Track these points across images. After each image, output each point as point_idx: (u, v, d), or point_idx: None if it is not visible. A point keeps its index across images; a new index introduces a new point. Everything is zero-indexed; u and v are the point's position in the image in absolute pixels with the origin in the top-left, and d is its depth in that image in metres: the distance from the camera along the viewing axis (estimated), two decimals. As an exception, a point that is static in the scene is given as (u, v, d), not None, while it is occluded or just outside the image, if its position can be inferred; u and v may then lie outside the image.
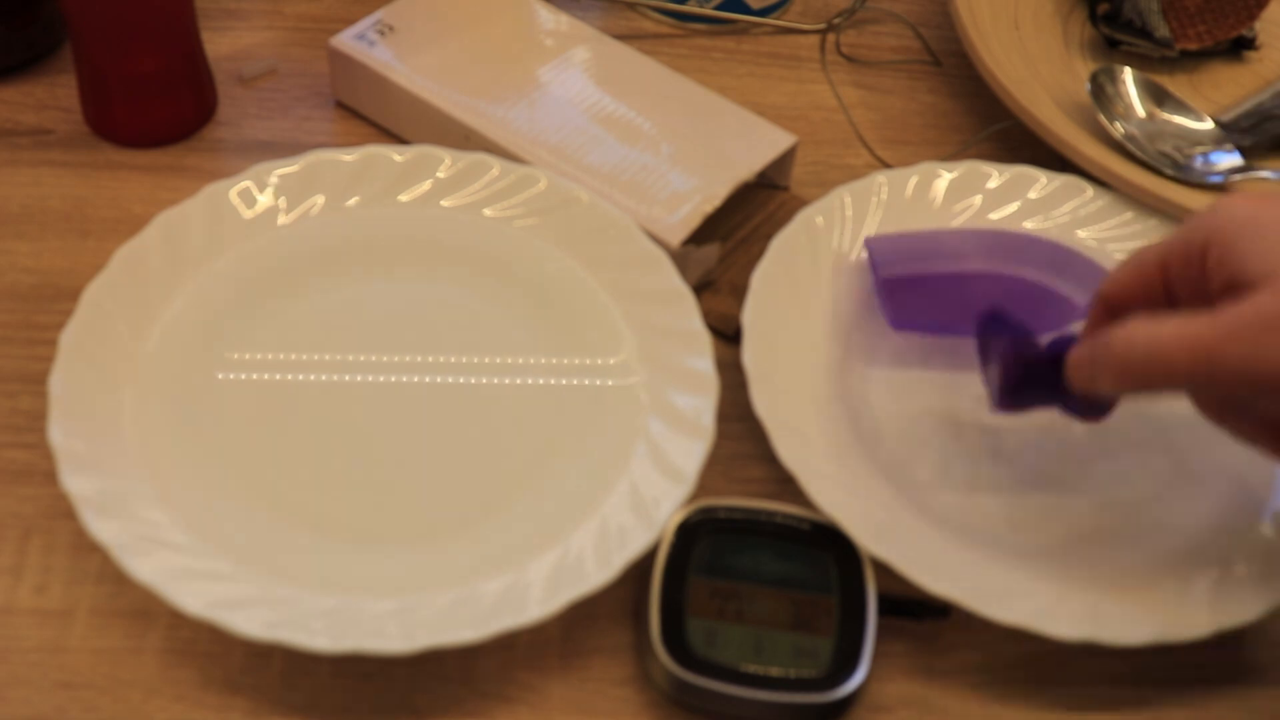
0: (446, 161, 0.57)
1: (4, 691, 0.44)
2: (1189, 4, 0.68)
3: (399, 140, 0.63)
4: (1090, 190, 0.60)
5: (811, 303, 0.55)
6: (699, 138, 0.59)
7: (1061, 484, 0.51)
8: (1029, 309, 0.52)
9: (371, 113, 0.64)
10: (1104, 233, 0.59)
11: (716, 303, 0.56)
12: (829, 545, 0.46)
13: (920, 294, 0.54)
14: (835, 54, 0.72)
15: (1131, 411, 0.53)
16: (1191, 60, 0.70)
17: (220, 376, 0.51)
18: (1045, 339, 0.47)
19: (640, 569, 0.46)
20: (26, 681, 0.44)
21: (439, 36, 0.63)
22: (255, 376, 0.51)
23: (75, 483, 0.44)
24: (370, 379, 0.51)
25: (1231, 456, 0.51)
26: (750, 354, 0.51)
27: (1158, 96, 0.64)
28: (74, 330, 0.49)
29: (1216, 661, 0.48)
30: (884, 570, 0.46)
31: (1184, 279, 0.43)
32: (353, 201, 0.56)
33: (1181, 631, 0.45)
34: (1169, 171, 0.61)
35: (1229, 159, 0.62)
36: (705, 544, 0.46)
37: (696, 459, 0.47)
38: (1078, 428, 0.52)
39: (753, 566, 0.45)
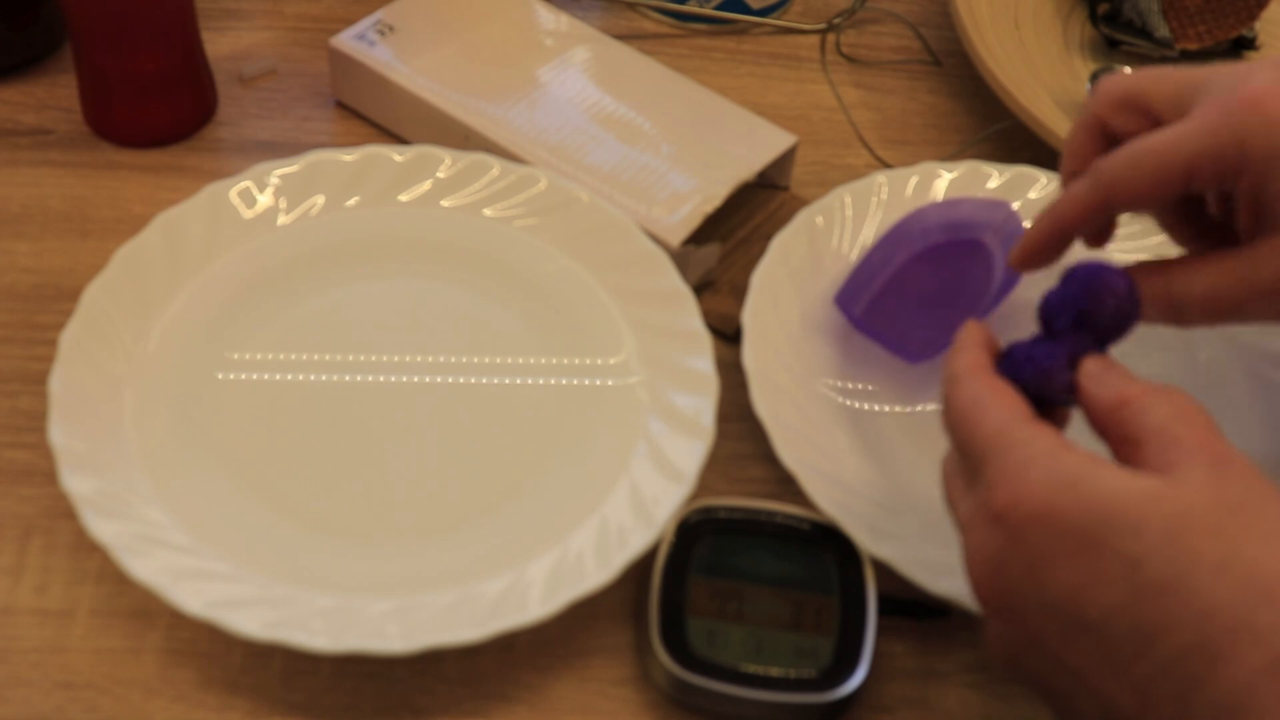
0: (446, 161, 0.57)
1: (4, 691, 0.44)
2: (1189, 4, 0.68)
3: (399, 140, 0.63)
4: (1090, 190, 0.60)
5: (811, 303, 0.55)
6: (699, 138, 0.59)
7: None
8: (955, 265, 0.53)
9: (371, 113, 0.64)
10: (1104, 233, 0.59)
11: (716, 303, 0.56)
12: (829, 545, 0.46)
13: (892, 314, 0.54)
14: (835, 54, 0.72)
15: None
16: (1191, 60, 0.70)
17: (220, 376, 0.51)
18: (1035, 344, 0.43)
19: (640, 569, 0.46)
20: (26, 681, 0.44)
21: (439, 36, 0.63)
22: (255, 376, 0.51)
23: (75, 483, 0.44)
24: (370, 379, 0.51)
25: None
26: (750, 354, 0.51)
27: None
28: (74, 330, 0.49)
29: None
30: (884, 570, 0.46)
31: (1207, 186, 0.40)
32: (353, 201, 0.56)
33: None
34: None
35: (1229, 159, 0.62)
36: (705, 544, 0.46)
37: (696, 459, 0.47)
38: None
39: (753, 566, 0.45)
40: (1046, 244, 0.43)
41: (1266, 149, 0.38)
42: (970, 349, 0.39)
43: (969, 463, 0.37)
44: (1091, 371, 0.38)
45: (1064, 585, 0.33)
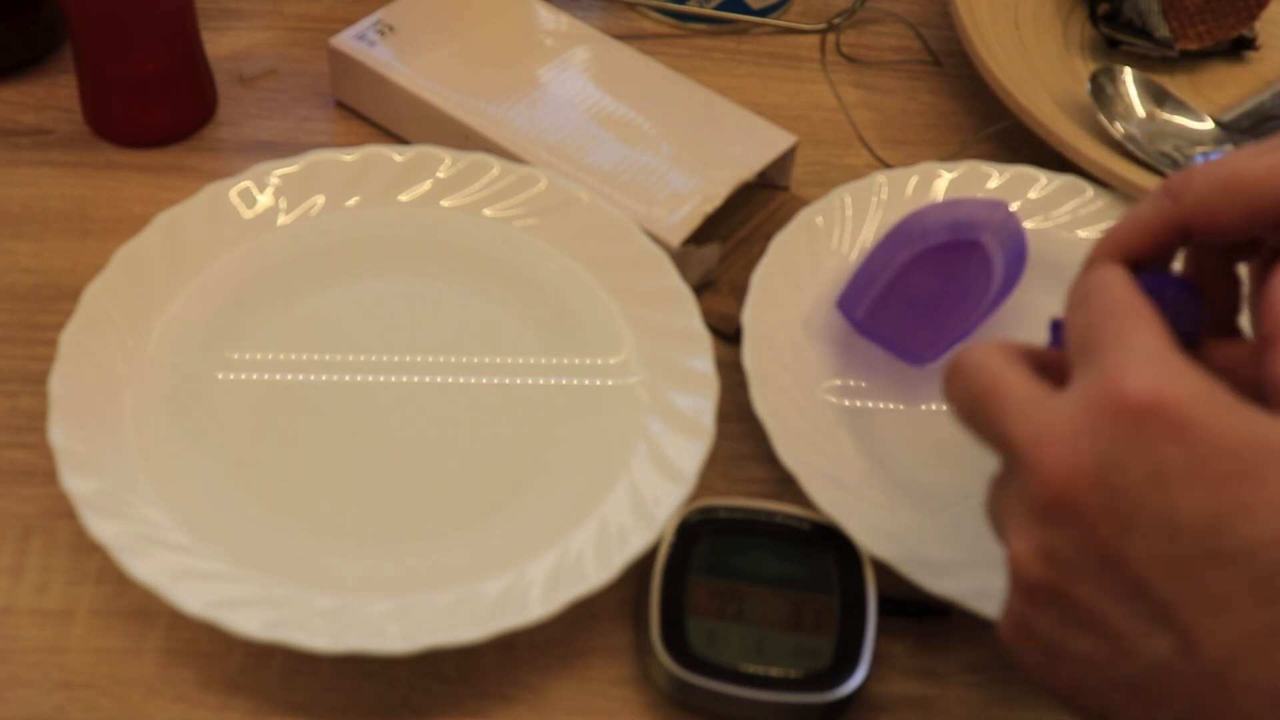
0: (446, 161, 0.57)
1: (4, 691, 0.44)
2: (1189, 4, 0.68)
3: (399, 140, 0.63)
4: (1090, 190, 0.60)
5: (811, 303, 0.55)
6: (699, 138, 0.59)
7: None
8: (955, 266, 0.53)
9: (371, 113, 0.64)
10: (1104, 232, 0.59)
11: (716, 303, 0.56)
12: (829, 545, 0.46)
13: (894, 316, 0.54)
14: (835, 54, 0.72)
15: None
16: (1192, 60, 0.70)
17: (220, 376, 0.51)
18: None
19: (640, 569, 0.46)
20: (26, 681, 0.44)
21: (439, 36, 0.63)
22: (255, 376, 0.51)
23: (75, 483, 0.44)
24: (370, 379, 0.51)
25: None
26: (750, 354, 0.51)
27: (1158, 96, 0.64)
28: (74, 330, 0.49)
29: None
30: (884, 570, 0.46)
31: None
32: (353, 201, 0.56)
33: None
34: (1169, 172, 0.61)
35: (1229, 159, 0.62)
36: (705, 544, 0.46)
37: (696, 459, 0.47)
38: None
39: (753, 566, 0.45)
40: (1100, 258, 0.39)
41: None
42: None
43: (1086, 346, 0.33)
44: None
45: (1203, 506, 0.30)
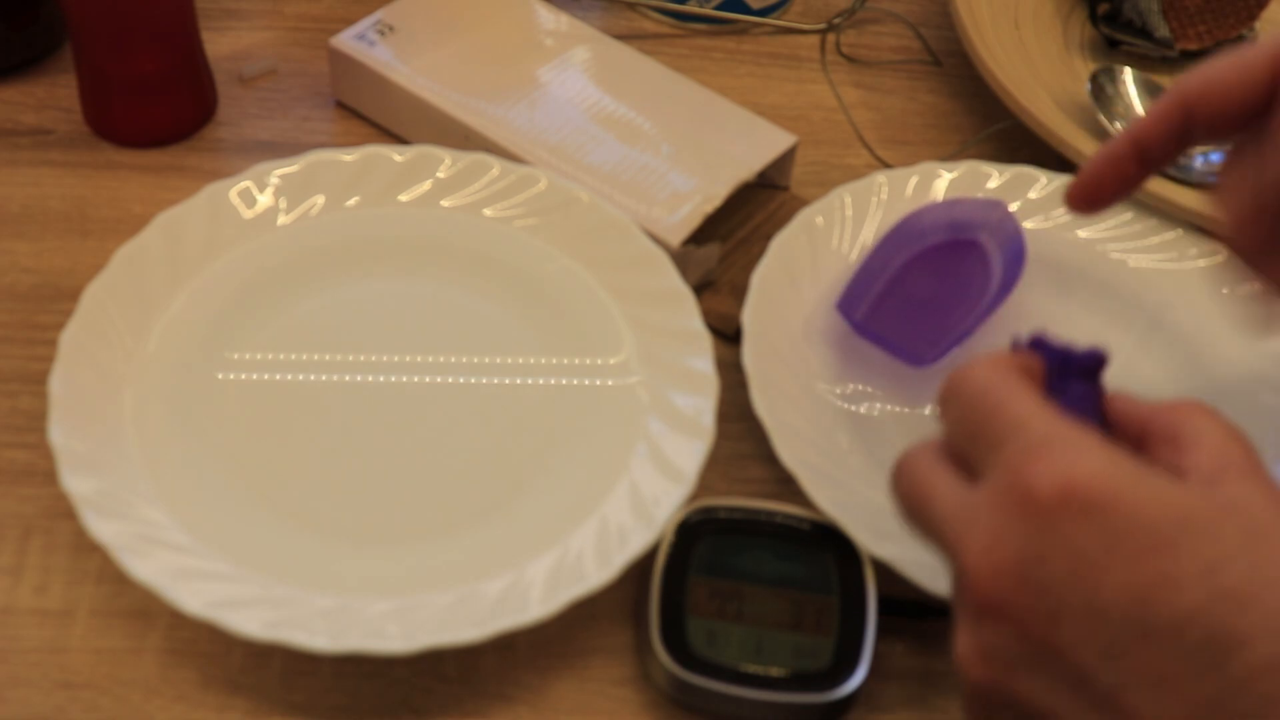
0: (446, 161, 0.57)
1: (4, 691, 0.44)
2: (1189, 4, 0.68)
3: (399, 140, 0.63)
4: (1090, 190, 0.60)
5: (811, 303, 0.55)
6: (699, 138, 0.59)
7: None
8: (954, 266, 0.53)
9: (371, 113, 0.64)
10: (1104, 233, 0.59)
11: (716, 303, 0.56)
12: (829, 545, 0.46)
13: (894, 317, 0.54)
14: (835, 54, 0.72)
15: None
16: (1192, 60, 0.70)
17: (220, 376, 0.51)
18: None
19: (640, 569, 0.46)
20: (26, 681, 0.44)
21: (439, 36, 0.63)
22: (255, 376, 0.51)
23: (75, 483, 0.44)
24: (370, 379, 0.51)
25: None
26: (750, 354, 0.51)
27: (1158, 96, 0.64)
28: (74, 330, 0.49)
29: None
30: (884, 570, 0.46)
31: None
32: (353, 201, 0.56)
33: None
34: (1169, 171, 0.61)
35: (1229, 159, 0.62)
36: (705, 544, 0.46)
37: (696, 459, 0.47)
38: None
39: (753, 566, 0.45)
40: (1118, 168, 0.41)
41: None
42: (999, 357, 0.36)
43: (981, 443, 0.33)
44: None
45: (1126, 586, 0.29)
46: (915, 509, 0.35)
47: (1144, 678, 0.29)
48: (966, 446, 0.34)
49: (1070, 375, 0.36)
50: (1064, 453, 0.31)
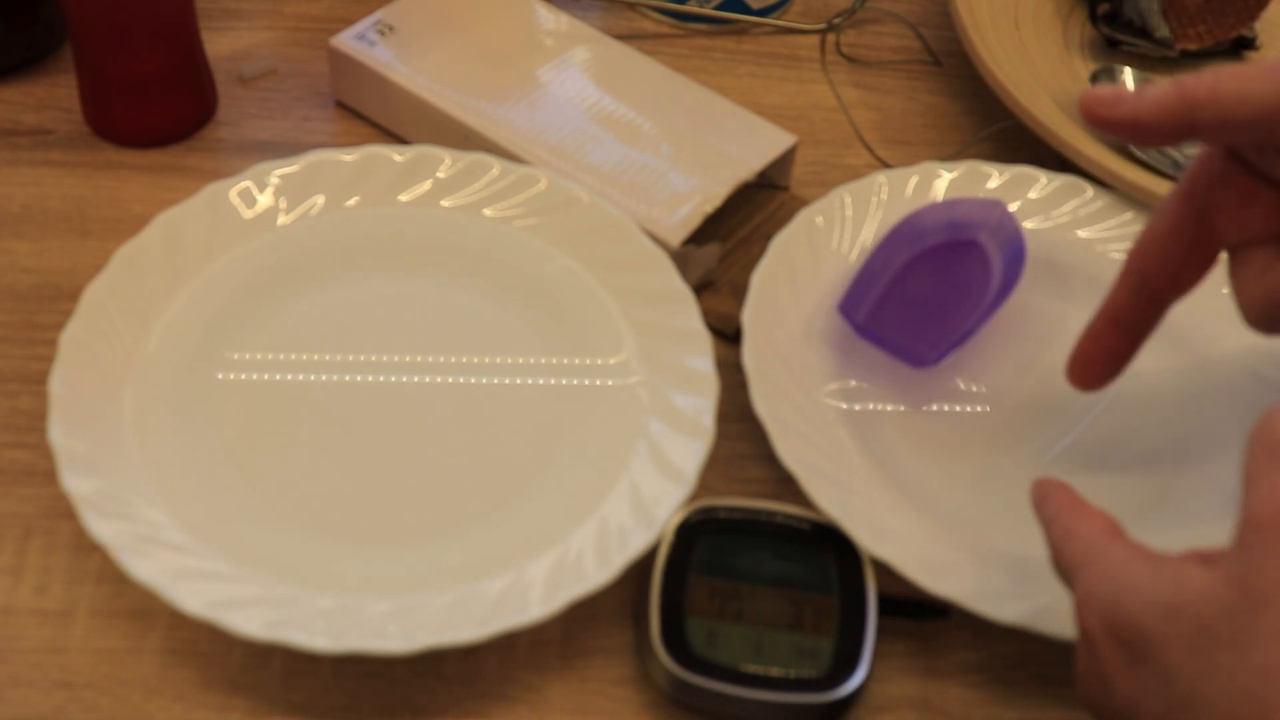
0: (446, 161, 0.57)
1: (4, 691, 0.44)
2: (1189, 4, 0.68)
3: (399, 140, 0.63)
4: (1090, 190, 0.60)
5: (811, 303, 0.55)
6: (699, 138, 0.59)
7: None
8: (954, 267, 0.53)
9: (371, 113, 0.64)
10: (1104, 233, 0.59)
11: (716, 303, 0.56)
12: (829, 545, 0.46)
13: (895, 318, 0.54)
14: (835, 54, 0.72)
15: (1128, 416, 0.53)
16: (1191, 60, 0.70)
17: (220, 376, 0.51)
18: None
19: (640, 569, 0.46)
20: (26, 681, 0.44)
21: (439, 36, 0.63)
22: (255, 376, 0.51)
23: (75, 483, 0.44)
24: (370, 379, 0.51)
25: (1231, 458, 0.51)
26: (750, 354, 0.51)
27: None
28: (74, 330, 0.49)
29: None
30: (884, 570, 0.46)
31: None
32: (353, 201, 0.56)
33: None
34: (1169, 171, 0.61)
35: (1229, 159, 0.62)
36: (705, 544, 0.46)
37: (696, 459, 0.47)
38: (1075, 429, 0.52)
39: (753, 566, 0.45)
40: (1102, 344, 0.46)
41: None
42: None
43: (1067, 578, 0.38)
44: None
45: (1123, 696, 0.34)
46: None
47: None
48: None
49: None
50: (1090, 584, 0.36)
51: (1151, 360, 0.55)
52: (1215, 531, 0.50)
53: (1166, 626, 0.32)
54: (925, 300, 0.54)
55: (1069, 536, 0.38)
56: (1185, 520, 0.50)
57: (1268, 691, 0.29)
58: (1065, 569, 0.38)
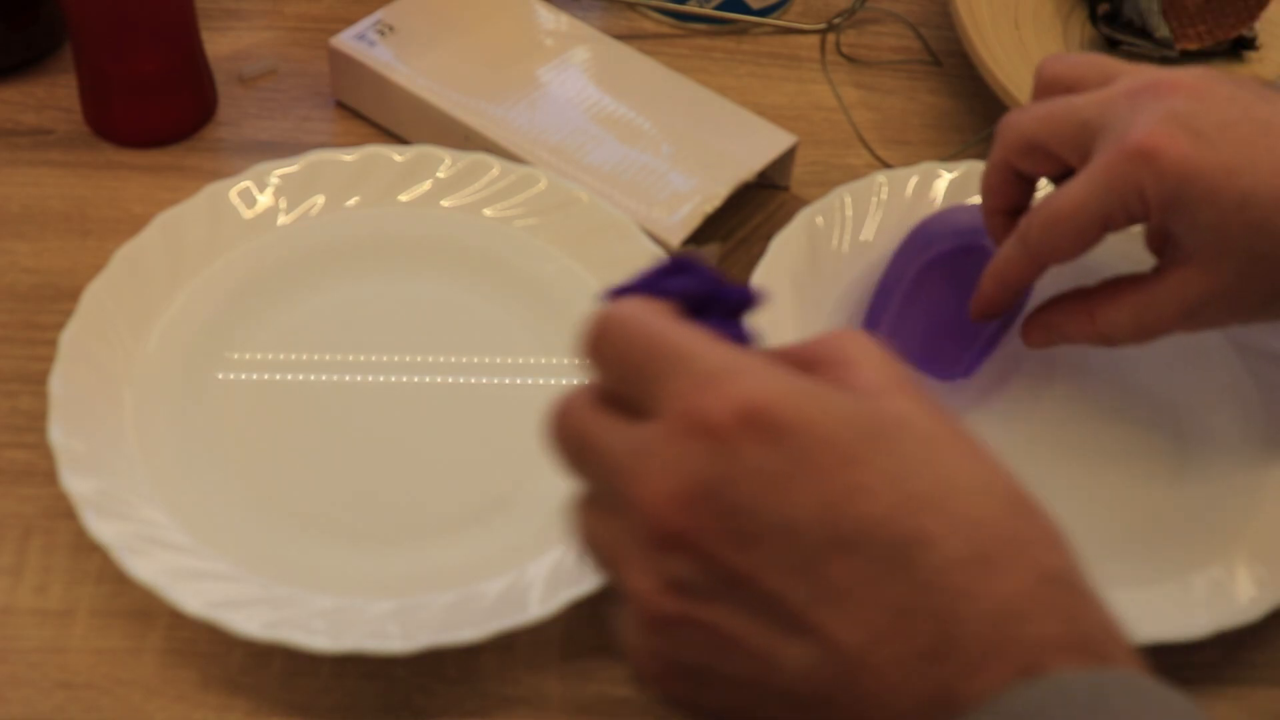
0: (446, 161, 0.57)
1: (4, 691, 0.44)
2: (1189, 4, 0.68)
3: (399, 140, 0.63)
4: (1090, 190, 0.60)
5: (811, 303, 0.55)
6: (699, 138, 0.59)
7: (1060, 484, 0.51)
8: (968, 273, 0.53)
9: (371, 113, 0.64)
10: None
11: (716, 303, 0.56)
12: (829, 545, 0.46)
13: (913, 332, 0.54)
14: (835, 54, 0.72)
15: (1128, 416, 0.53)
16: (1192, 60, 0.70)
17: (220, 376, 0.51)
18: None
19: (640, 569, 0.46)
20: (26, 681, 0.44)
21: (439, 36, 0.63)
22: (255, 377, 0.51)
23: (75, 483, 0.44)
24: (370, 379, 0.51)
25: (1230, 458, 0.51)
26: (750, 354, 0.51)
27: None
28: (74, 330, 0.49)
29: (1216, 661, 0.48)
30: (884, 570, 0.46)
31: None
32: (353, 201, 0.56)
33: (1181, 631, 0.45)
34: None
35: (1229, 159, 0.62)
36: (705, 544, 0.46)
37: (696, 459, 0.47)
38: (1075, 430, 0.52)
39: (752, 566, 0.45)
40: (1001, 301, 0.50)
41: (1162, 198, 0.43)
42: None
43: (644, 380, 0.32)
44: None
45: (816, 500, 0.30)
46: (580, 455, 0.34)
47: (833, 592, 0.30)
48: (627, 388, 0.33)
49: (715, 310, 0.35)
50: (739, 378, 0.30)
51: (1153, 359, 0.55)
52: (1213, 523, 0.50)
53: (895, 427, 0.31)
54: (943, 313, 0.53)
55: (658, 321, 0.32)
56: (1184, 515, 0.50)
57: (1012, 496, 0.31)
58: (653, 359, 0.32)
